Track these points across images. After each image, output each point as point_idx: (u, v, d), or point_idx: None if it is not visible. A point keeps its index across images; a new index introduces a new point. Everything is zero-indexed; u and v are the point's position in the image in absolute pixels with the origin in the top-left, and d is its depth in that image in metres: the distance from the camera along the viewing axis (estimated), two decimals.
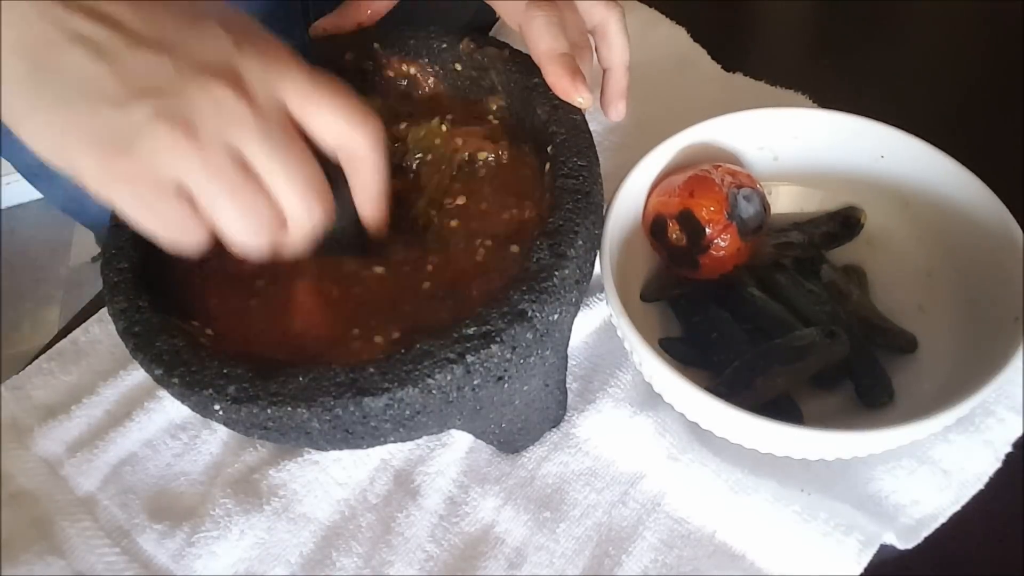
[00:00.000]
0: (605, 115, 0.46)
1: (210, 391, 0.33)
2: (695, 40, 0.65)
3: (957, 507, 0.40)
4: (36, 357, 0.51)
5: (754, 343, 0.44)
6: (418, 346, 0.33)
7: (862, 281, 0.48)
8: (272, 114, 0.30)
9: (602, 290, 0.44)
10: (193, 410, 0.35)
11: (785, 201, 0.51)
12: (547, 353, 0.37)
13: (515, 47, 0.43)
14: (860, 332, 0.44)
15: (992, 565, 0.40)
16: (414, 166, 0.42)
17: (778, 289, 0.46)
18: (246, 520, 0.42)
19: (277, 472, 0.44)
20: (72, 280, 1.57)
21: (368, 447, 0.42)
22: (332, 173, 0.33)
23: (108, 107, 0.28)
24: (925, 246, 0.47)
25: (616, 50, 0.44)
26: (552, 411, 0.44)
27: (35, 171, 0.62)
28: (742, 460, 0.42)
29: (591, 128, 0.40)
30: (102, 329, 0.51)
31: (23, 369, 0.50)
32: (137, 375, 0.48)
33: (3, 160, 0.63)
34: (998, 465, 0.41)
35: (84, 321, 0.52)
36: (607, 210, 0.43)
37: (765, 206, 0.46)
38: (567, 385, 0.44)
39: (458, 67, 0.44)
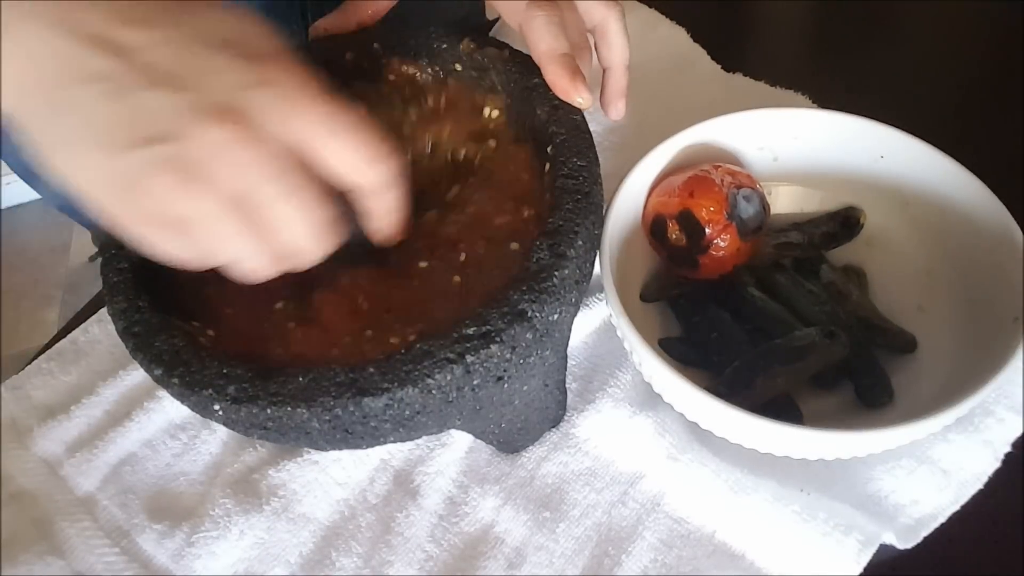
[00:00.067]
0: (605, 114, 0.46)
1: (210, 391, 0.33)
2: (695, 40, 0.65)
3: (956, 507, 0.40)
4: (36, 357, 0.51)
5: (754, 343, 0.44)
6: (418, 346, 0.33)
7: (862, 281, 0.48)
8: (278, 154, 0.30)
9: (602, 290, 0.44)
10: (193, 410, 0.35)
11: (785, 201, 0.51)
12: (547, 353, 0.37)
13: (515, 47, 0.43)
14: (860, 332, 0.44)
15: (992, 565, 0.40)
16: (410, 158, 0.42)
17: (778, 289, 0.46)
18: (246, 520, 0.42)
19: (277, 472, 0.44)
20: (72, 280, 1.57)
21: (368, 447, 0.42)
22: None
23: (117, 150, 0.28)
24: (925, 246, 0.47)
25: (616, 50, 0.44)
26: (552, 411, 0.44)
27: (33, 172, 0.62)
28: (742, 460, 0.42)
29: (591, 128, 0.40)
30: (101, 329, 0.51)
31: (23, 369, 0.50)
32: (137, 375, 0.48)
33: (2, 161, 0.63)
34: (997, 465, 0.41)
35: (83, 321, 0.52)
36: (607, 210, 0.43)
37: (765, 206, 0.46)
38: (567, 385, 0.44)
39: (458, 67, 0.44)
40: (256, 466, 0.44)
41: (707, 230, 0.45)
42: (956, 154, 0.45)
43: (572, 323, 0.40)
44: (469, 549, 0.42)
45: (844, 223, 0.49)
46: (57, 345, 0.51)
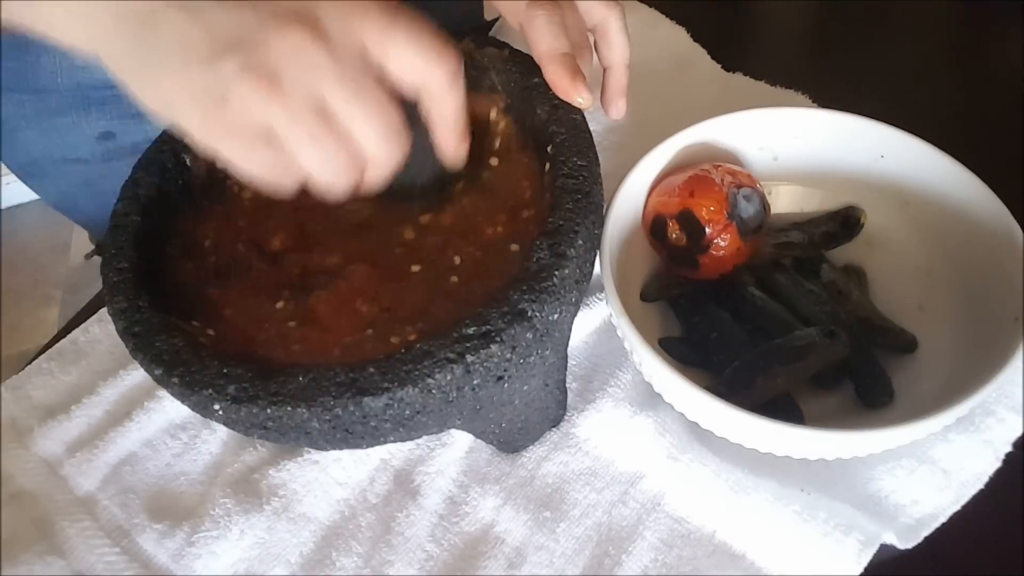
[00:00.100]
0: (606, 113, 0.46)
1: (210, 391, 0.33)
2: (695, 40, 0.65)
3: (957, 507, 0.40)
4: (36, 357, 0.51)
5: (754, 343, 0.44)
6: (418, 346, 0.33)
7: (862, 281, 0.48)
8: (350, 58, 0.31)
9: (602, 290, 0.44)
10: (193, 410, 0.35)
11: (785, 201, 0.51)
12: (547, 353, 0.37)
13: (515, 47, 0.43)
14: (860, 332, 0.44)
15: (992, 565, 0.40)
16: None
17: (778, 289, 0.46)
18: (246, 520, 0.42)
19: (277, 472, 0.44)
20: (71, 280, 1.57)
21: (368, 447, 0.42)
22: (408, 117, 0.34)
23: (201, 64, 0.30)
24: (925, 246, 0.47)
25: (616, 49, 0.44)
26: (552, 411, 0.44)
27: (28, 170, 0.62)
28: (742, 460, 0.42)
29: (591, 128, 0.40)
30: (102, 329, 0.51)
31: (23, 369, 0.50)
32: (137, 375, 0.48)
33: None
34: (998, 465, 0.41)
35: (84, 321, 0.52)
36: (607, 210, 0.43)
37: (765, 206, 0.46)
38: (567, 385, 0.44)
39: None
40: (256, 466, 0.44)
41: (707, 230, 0.45)
42: (956, 154, 0.45)
43: (572, 323, 0.40)
44: (469, 549, 0.42)
45: (844, 223, 0.49)
46: (57, 345, 0.51)
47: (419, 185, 0.39)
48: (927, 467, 0.41)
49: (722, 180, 0.45)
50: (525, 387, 0.39)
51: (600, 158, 0.39)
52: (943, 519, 0.40)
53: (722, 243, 0.45)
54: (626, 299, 0.41)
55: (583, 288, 0.37)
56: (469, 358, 0.33)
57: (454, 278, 0.37)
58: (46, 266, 1.60)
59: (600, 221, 0.40)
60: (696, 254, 0.46)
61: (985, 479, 0.41)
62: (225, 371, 0.33)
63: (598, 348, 0.47)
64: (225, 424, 0.35)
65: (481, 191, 0.40)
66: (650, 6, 0.68)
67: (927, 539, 0.39)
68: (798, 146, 0.50)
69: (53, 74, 0.56)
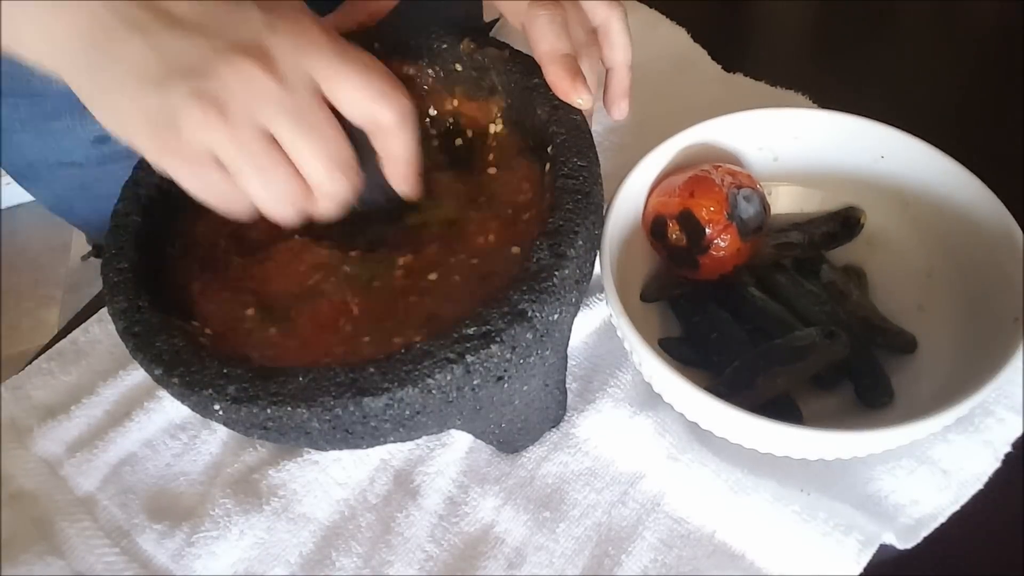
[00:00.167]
0: (608, 114, 0.46)
1: (210, 391, 0.33)
2: (695, 40, 0.65)
3: (956, 507, 0.40)
4: (36, 357, 0.51)
5: (754, 343, 0.44)
6: (418, 346, 0.33)
7: (862, 281, 0.48)
8: (299, 90, 0.32)
9: (602, 290, 0.44)
10: (193, 410, 0.35)
11: (785, 201, 0.51)
12: (547, 353, 0.37)
13: (516, 47, 0.43)
14: (860, 332, 0.44)
15: (992, 565, 0.40)
16: None
17: (778, 289, 0.46)
18: (246, 520, 0.42)
19: (277, 472, 0.44)
20: (71, 280, 1.57)
21: (368, 447, 0.42)
22: (362, 142, 0.34)
23: (153, 88, 0.31)
24: (925, 246, 0.47)
25: (619, 50, 0.44)
26: (552, 411, 0.44)
27: (23, 173, 0.62)
28: (742, 460, 0.42)
29: (591, 128, 0.40)
30: (102, 329, 0.51)
31: (23, 369, 0.50)
32: (137, 375, 0.48)
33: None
34: (997, 465, 0.41)
35: (84, 321, 0.52)
36: (607, 210, 0.43)
37: (765, 206, 0.46)
38: (567, 385, 0.44)
39: (458, 67, 0.44)
40: (256, 466, 0.44)
41: (707, 230, 0.45)
42: (956, 154, 0.45)
43: (572, 323, 0.40)
44: (469, 549, 0.42)
45: (844, 223, 0.49)
46: (57, 345, 0.51)
47: (374, 206, 0.38)
48: (927, 467, 0.41)
49: (722, 180, 0.45)
50: (525, 387, 0.39)
51: (600, 158, 0.39)
52: (943, 519, 0.40)
53: (722, 243, 0.45)
54: (626, 299, 0.41)
55: (583, 288, 0.37)
56: (469, 358, 0.33)
57: (455, 278, 0.37)
58: (46, 266, 1.60)
59: (600, 221, 0.40)
60: (696, 254, 0.46)
61: (985, 479, 0.41)
62: (225, 371, 0.33)
63: (598, 348, 0.47)
64: (225, 424, 0.35)
65: (478, 206, 0.40)
66: (650, 6, 0.68)
67: (927, 539, 0.39)
68: (798, 146, 0.50)
69: (48, 78, 0.56)
